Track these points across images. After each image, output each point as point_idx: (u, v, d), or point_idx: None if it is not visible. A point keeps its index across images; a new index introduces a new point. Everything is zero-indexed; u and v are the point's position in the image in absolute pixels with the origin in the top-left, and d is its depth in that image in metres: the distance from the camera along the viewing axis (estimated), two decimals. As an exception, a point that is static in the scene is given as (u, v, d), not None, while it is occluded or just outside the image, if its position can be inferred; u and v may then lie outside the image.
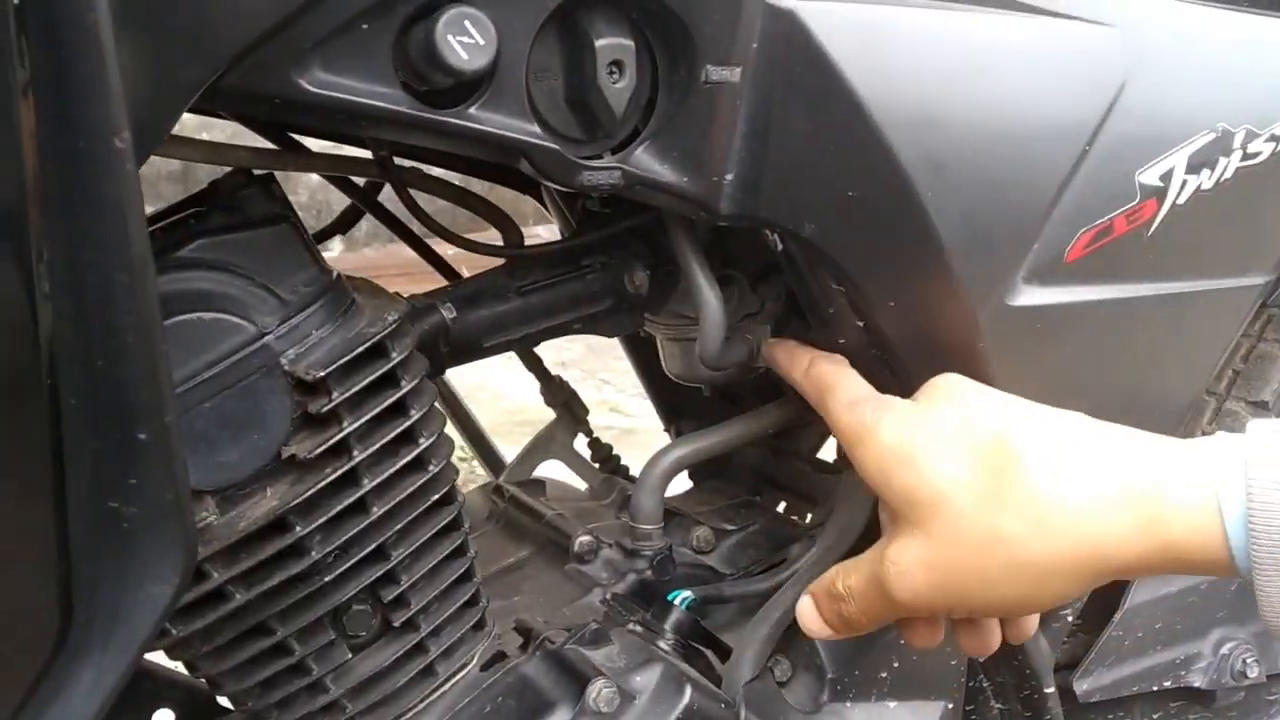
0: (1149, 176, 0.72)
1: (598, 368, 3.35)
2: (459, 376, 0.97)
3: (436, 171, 0.82)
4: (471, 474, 2.31)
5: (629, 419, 2.98)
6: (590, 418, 1.00)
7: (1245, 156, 0.77)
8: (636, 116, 0.59)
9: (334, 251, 4.24)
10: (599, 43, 0.55)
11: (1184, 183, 0.74)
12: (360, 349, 0.58)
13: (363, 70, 0.50)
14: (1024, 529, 0.56)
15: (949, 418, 0.60)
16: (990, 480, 0.57)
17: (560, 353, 3.34)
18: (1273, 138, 0.77)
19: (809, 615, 0.66)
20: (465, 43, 0.50)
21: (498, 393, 2.70)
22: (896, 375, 0.70)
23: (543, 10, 0.54)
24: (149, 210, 0.58)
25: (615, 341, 1.01)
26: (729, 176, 0.60)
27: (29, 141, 0.37)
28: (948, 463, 0.58)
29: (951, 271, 0.66)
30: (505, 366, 1.03)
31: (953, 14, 0.64)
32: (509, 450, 1.07)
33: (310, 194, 4.24)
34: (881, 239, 0.65)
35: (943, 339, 0.69)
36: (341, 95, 0.50)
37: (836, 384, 0.66)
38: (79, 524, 0.44)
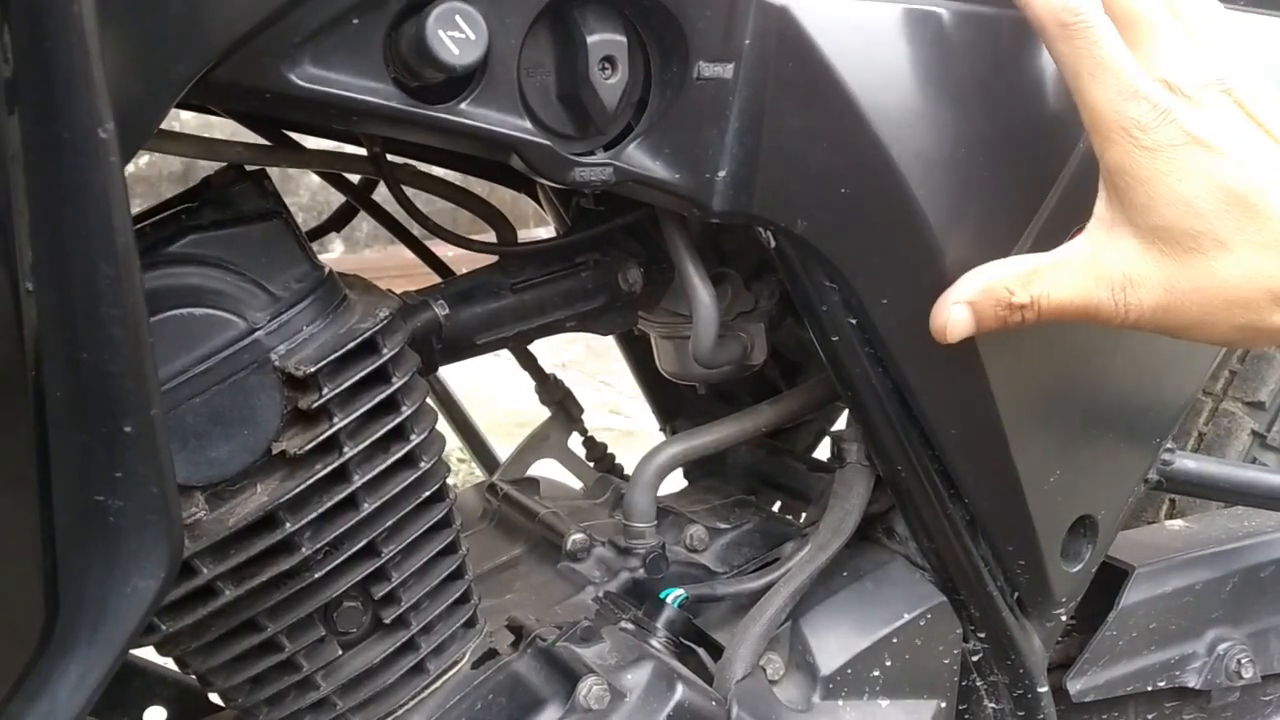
0: (1143, 175, 0.72)
1: (598, 369, 3.35)
2: (455, 375, 0.97)
3: (433, 170, 0.82)
4: (471, 474, 2.31)
5: (629, 420, 2.98)
6: (590, 419, 1.00)
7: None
8: (629, 113, 0.59)
9: (335, 252, 4.23)
10: (591, 39, 0.55)
11: (1179, 181, 0.74)
12: (351, 345, 0.58)
13: (354, 65, 0.50)
14: (1274, 267, 0.56)
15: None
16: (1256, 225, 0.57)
17: (560, 354, 3.34)
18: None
19: (956, 322, 0.62)
20: (456, 38, 0.50)
21: (495, 391, 2.70)
22: (889, 373, 0.70)
23: (535, 6, 0.53)
24: (142, 207, 0.58)
25: (615, 343, 1.01)
26: (721, 173, 0.60)
27: (12, 132, 0.37)
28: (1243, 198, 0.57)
29: (944, 269, 0.66)
30: (501, 366, 1.03)
31: (946, 9, 0.64)
32: (505, 450, 1.07)
33: (311, 194, 4.24)
34: (874, 236, 0.65)
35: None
36: (332, 90, 0.50)
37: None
38: (64, 517, 0.44)
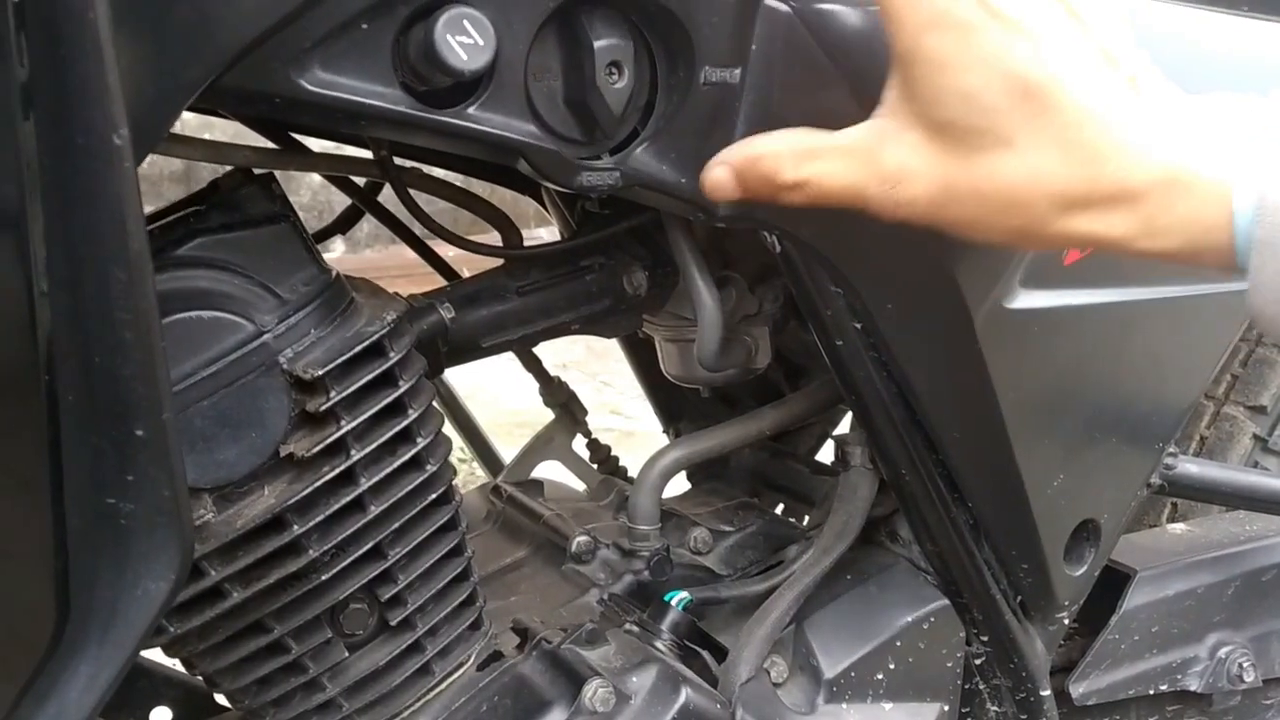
0: (1147, 180, 0.72)
1: (599, 370, 3.35)
2: (459, 377, 0.98)
3: (437, 172, 0.82)
4: (471, 475, 2.31)
5: (630, 421, 2.99)
6: (591, 420, 1.00)
7: (1243, 161, 0.77)
8: (635, 117, 0.59)
9: (336, 253, 4.24)
10: (598, 44, 0.55)
11: (1182, 186, 0.74)
12: (358, 348, 0.58)
13: (362, 70, 0.50)
14: (1059, 168, 0.51)
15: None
16: (1039, 119, 0.51)
17: (561, 355, 3.34)
18: (1271, 142, 0.77)
19: (717, 183, 0.58)
20: (464, 43, 0.50)
21: (499, 393, 2.70)
22: (893, 377, 0.70)
23: (542, 11, 0.54)
24: (150, 209, 0.58)
25: (616, 344, 1.01)
26: (727, 178, 0.60)
27: (28, 138, 0.38)
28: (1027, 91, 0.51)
29: (949, 274, 0.66)
30: (505, 368, 1.04)
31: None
32: (508, 451, 1.07)
33: (312, 195, 4.24)
34: (879, 241, 0.65)
35: (940, 341, 0.69)
36: (341, 95, 0.50)
37: None
38: (76, 520, 0.44)
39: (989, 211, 0.53)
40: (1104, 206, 0.52)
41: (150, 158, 0.48)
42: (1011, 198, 0.53)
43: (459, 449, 1.08)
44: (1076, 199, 0.52)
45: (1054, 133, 0.51)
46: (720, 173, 0.58)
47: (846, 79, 0.60)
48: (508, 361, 0.95)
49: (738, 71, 0.58)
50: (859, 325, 0.68)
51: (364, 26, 0.49)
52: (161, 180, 4.04)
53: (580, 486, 1.01)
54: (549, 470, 0.99)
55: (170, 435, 0.45)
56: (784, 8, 0.58)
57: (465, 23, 0.50)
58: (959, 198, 0.54)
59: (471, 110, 0.54)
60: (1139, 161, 0.51)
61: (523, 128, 0.55)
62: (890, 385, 0.70)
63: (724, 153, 0.58)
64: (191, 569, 0.54)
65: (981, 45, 0.51)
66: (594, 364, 3.36)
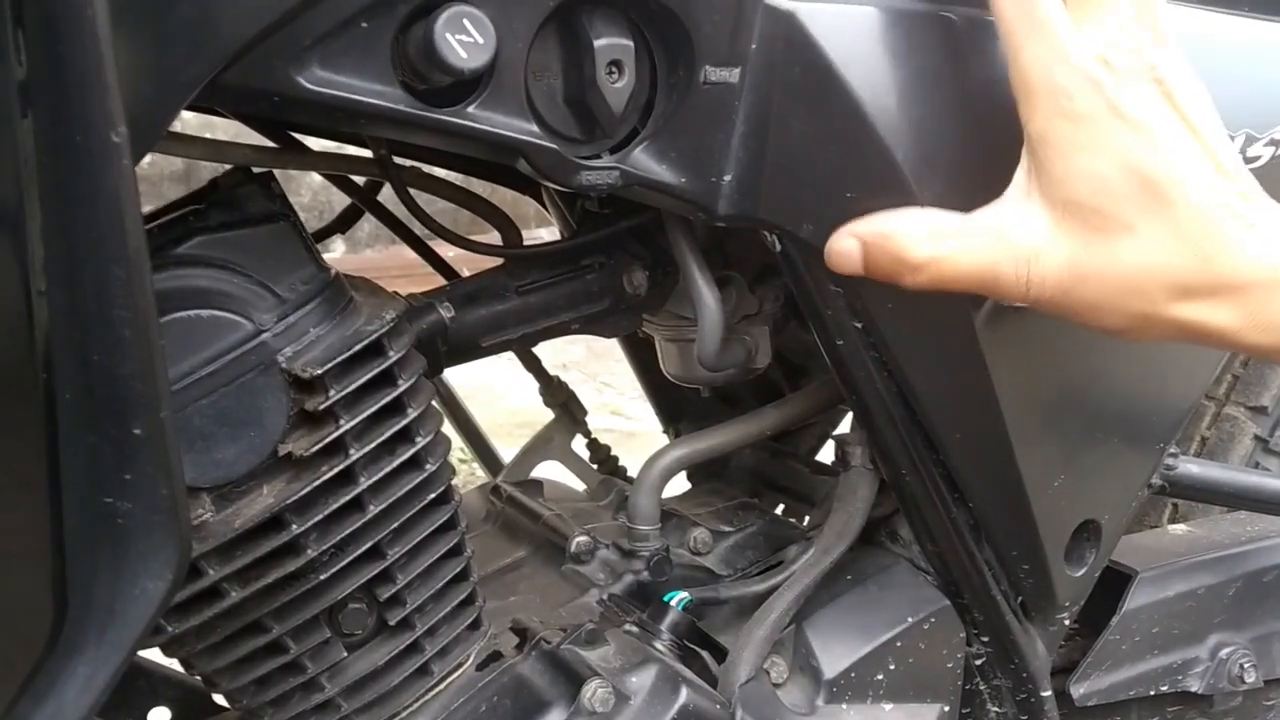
0: (1148, 180, 0.72)
1: (599, 370, 3.35)
2: (460, 377, 0.98)
3: (437, 171, 0.82)
4: (472, 475, 2.31)
5: (630, 422, 2.99)
6: (591, 420, 1.00)
7: (1245, 160, 0.76)
8: (635, 117, 0.59)
9: (336, 252, 4.24)
10: (598, 43, 0.55)
11: (1183, 186, 0.74)
12: (357, 347, 0.58)
13: (362, 68, 0.50)
14: (1175, 258, 0.55)
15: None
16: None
17: (561, 355, 3.35)
18: (1272, 141, 0.77)
19: (842, 254, 0.60)
20: (464, 42, 0.50)
21: (498, 393, 2.70)
22: (894, 377, 0.70)
23: (542, 10, 0.54)
24: (149, 208, 0.58)
25: (617, 344, 1.01)
26: (727, 177, 0.60)
27: (25, 136, 0.38)
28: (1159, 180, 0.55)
29: (949, 274, 0.66)
30: (506, 368, 1.04)
31: (954, 16, 0.64)
32: (509, 451, 1.07)
33: (313, 194, 4.24)
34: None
35: (940, 341, 0.69)
36: (340, 93, 0.50)
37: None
38: (74, 519, 0.44)
39: (1111, 294, 0.57)
40: (1214, 298, 0.56)
41: (151, 157, 0.48)
42: (1131, 281, 0.56)
43: (460, 449, 1.07)
44: (1190, 287, 0.56)
45: (1171, 226, 0.55)
46: (848, 244, 0.60)
47: (848, 79, 0.60)
48: (511, 361, 0.95)
49: (737, 71, 0.58)
50: (859, 325, 0.68)
51: (363, 25, 0.49)
52: (162, 180, 4.04)
53: (580, 487, 1.01)
54: (549, 470, 0.99)
55: (168, 434, 0.45)
56: (785, 7, 0.58)
57: (465, 21, 0.50)
58: (1085, 278, 0.57)
59: (471, 109, 0.54)
60: (1247, 261, 0.55)
61: (523, 126, 0.55)
62: (890, 385, 0.70)
63: (854, 225, 0.60)
64: (190, 568, 0.53)
65: (1106, 136, 0.55)
66: (595, 364, 3.37)
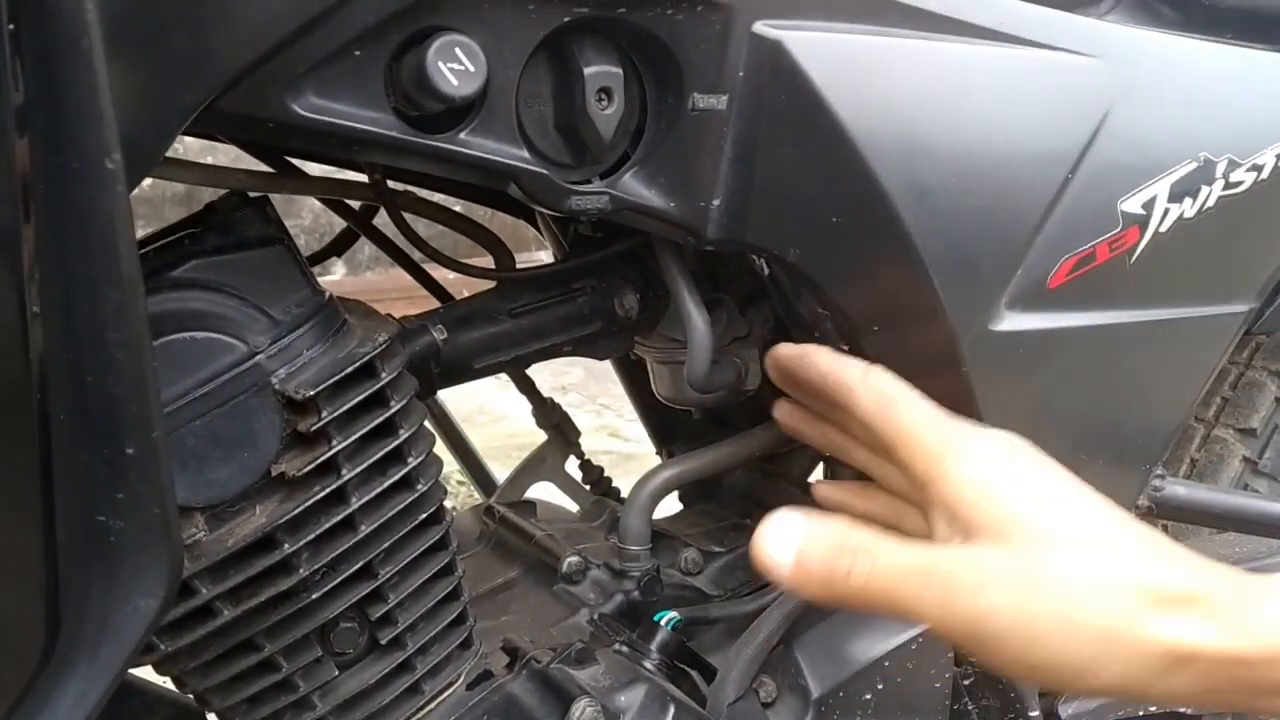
0: (1131, 205, 0.73)
1: (597, 392, 3.35)
2: (459, 399, 0.98)
3: (432, 196, 0.83)
4: (470, 497, 2.31)
5: (629, 444, 2.99)
6: (589, 443, 1.00)
7: (1227, 185, 0.78)
8: (625, 142, 0.60)
9: (336, 274, 4.25)
10: (588, 70, 0.56)
11: (1166, 211, 0.75)
12: (350, 369, 0.58)
13: (355, 95, 0.51)
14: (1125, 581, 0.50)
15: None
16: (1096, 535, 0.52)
17: (560, 377, 3.35)
18: (1254, 167, 0.79)
19: (779, 564, 0.54)
20: (456, 70, 0.51)
21: (497, 415, 2.70)
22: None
23: (533, 38, 0.55)
24: (148, 231, 0.59)
25: (613, 367, 1.02)
26: (716, 202, 0.61)
27: (21, 161, 0.38)
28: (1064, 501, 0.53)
29: (935, 296, 0.67)
30: (505, 390, 1.04)
31: (938, 43, 0.65)
32: (504, 472, 1.08)
33: (314, 217, 4.25)
34: (865, 264, 0.66)
35: (926, 363, 0.70)
36: (334, 120, 0.51)
37: (907, 395, 0.59)
38: (66, 537, 0.45)
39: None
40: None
41: (152, 181, 0.49)
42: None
43: (459, 472, 1.08)
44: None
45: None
46: (784, 558, 0.54)
47: (834, 106, 0.61)
48: (510, 384, 0.95)
49: (725, 98, 0.59)
50: (846, 347, 0.68)
51: (357, 53, 0.50)
52: (163, 203, 4.05)
53: (573, 507, 1.01)
54: (543, 491, 0.99)
55: (161, 454, 0.46)
56: (771, 35, 0.59)
57: (457, 50, 0.51)
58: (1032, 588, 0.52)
59: (463, 135, 0.54)
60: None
61: (514, 152, 0.56)
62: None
63: (791, 536, 0.54)
64: (182, 587, 0.54)
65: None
66: (593, 386, 3.37)
